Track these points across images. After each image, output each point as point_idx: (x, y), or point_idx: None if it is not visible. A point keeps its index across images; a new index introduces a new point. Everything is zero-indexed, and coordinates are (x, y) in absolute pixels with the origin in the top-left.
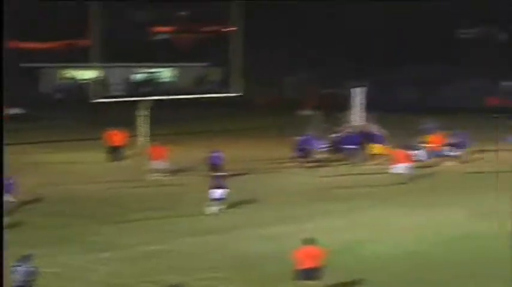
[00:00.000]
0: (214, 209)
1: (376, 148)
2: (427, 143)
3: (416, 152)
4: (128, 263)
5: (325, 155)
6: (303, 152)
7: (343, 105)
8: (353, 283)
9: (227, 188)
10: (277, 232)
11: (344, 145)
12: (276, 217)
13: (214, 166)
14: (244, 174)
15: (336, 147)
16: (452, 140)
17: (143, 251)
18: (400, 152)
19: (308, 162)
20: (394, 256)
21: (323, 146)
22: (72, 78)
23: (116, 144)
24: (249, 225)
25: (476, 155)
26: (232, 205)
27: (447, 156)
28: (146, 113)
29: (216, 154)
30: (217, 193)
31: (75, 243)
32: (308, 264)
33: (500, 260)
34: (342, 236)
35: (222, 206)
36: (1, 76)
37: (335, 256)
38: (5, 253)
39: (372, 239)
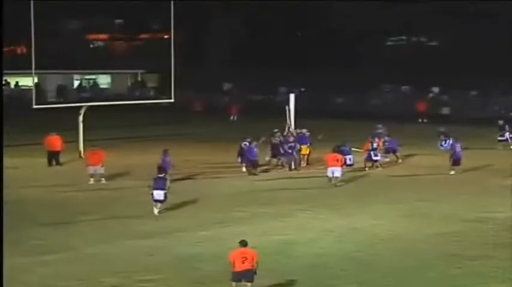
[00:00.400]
0: (155, 210)
1: (303, 149)
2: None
3: (348, 156)
4: (67, 265)
5: (266, 160)
6: (245, 157)
7: (273, 111)
8: (285, 284)
9: (168, 190)
10: (215, 234)
11: (283, 149)
12: (214, 219)
13: (164, 169)
14: (183, 179)
15: (275, 152)
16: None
17: (83, 254)
18: (333, 156)
19: (249, 167)
20: (324, 258)
21: (268, 154)
22: (14, 85)
23: (56, 149)
24: (188, 227)
25: (405, 160)
26: (173, 208)
27: (377, 161)
28: (84, 118)
29: (167, 158)
30: (160, 194)
31: (14, 245)
32: (242, 266)
33: (426, 260)
34: (275, 238)
35: (163, 208)
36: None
37: (268, 258)
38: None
39: (303, 241)
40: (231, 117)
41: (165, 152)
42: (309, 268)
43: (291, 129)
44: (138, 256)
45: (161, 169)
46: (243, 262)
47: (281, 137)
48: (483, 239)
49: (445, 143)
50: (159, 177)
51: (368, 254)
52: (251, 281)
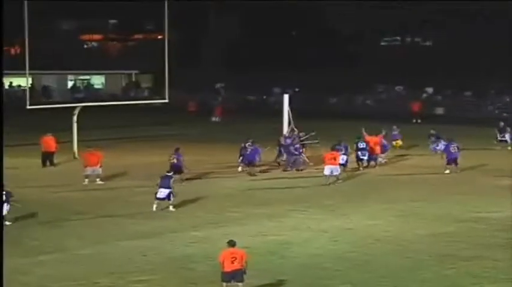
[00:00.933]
0: (154, 206)
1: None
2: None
3: (343, 156)
4: (61, 266)
5: (269, 161)
6: (247, 158)
7: (266, 111)
8: (278, 284)
9: (173, 189)
10: (209, 235)
11: (286, 150)
12: (208, 220)
13: (176, 168)
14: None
15: (279, 152)
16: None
17: (78, 255)
18: (330, 154)
19: (247, 168)
20: (319, 258)
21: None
22: (8, 86)
23: (51, 150)
24: (182, 228)
25: (399, 160)
26: (166, 208)
27: (362, 159)
28: (78, 119)
29: (180, 157)
30: (163, 192)
31: (10, 246)
32: (232, 266)
33: (421, 261)
34: (270, 238)
35: (172, 204)
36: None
37: (262, 258)
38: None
39: (297, 242)
40: (213, 119)
41: (177, 150)
42: (303, 268)
43: (295, 130)
44: (132, 256)
45: (172, 167)
46: (232, 262)
47: (283, 139)
48: (477, 239)
49: (438, 145)
50: (166, 175)
51: (362, 254)
52: (241, 281)
